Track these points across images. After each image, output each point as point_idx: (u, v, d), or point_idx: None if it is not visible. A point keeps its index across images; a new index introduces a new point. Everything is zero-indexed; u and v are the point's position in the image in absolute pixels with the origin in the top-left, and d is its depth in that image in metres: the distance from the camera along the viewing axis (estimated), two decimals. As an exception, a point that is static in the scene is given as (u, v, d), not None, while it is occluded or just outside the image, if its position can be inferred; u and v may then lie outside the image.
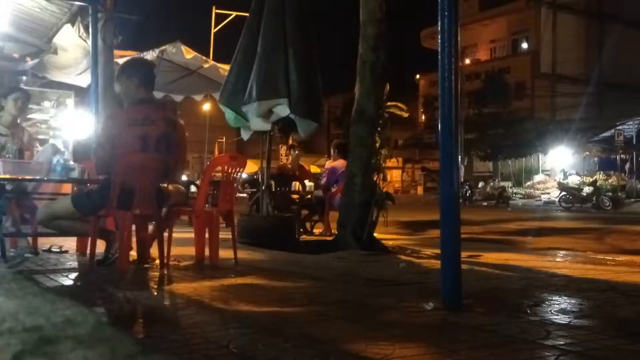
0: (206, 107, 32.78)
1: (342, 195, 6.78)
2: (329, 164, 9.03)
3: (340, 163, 8.36)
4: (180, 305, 3.30)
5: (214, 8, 27.72)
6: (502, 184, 26.66)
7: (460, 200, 3.87)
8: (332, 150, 8.90)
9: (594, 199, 21.38)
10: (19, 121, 5.66)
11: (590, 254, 6.45)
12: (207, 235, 4.91)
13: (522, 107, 33.19)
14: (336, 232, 7.99)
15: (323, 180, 8.67)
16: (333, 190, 8.25)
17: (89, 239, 4.61)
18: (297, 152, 9.64)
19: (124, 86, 4.51)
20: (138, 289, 3.80)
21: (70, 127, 10.66)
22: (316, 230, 8.62)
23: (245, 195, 9.37)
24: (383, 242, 6.41)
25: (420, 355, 2.36)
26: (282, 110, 6.25)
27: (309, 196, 8.64)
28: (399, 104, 6.83)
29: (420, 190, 41.39)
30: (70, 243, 5.57)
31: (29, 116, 9.24)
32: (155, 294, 3.68)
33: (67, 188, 5.16)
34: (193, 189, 10.93)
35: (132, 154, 4.28)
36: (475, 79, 34.74)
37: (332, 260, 5.35)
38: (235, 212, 5.56)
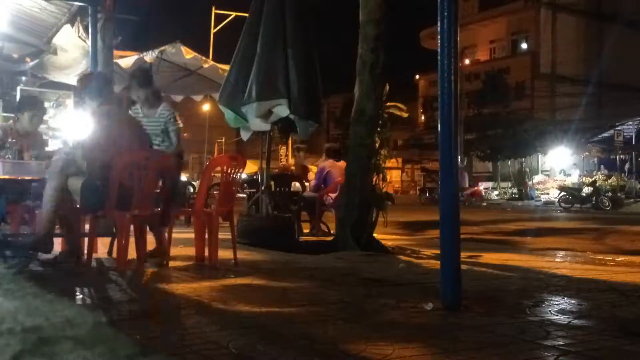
0: (206, 107, 32.81)
1: (341, 196, 6.78)
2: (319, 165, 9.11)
3: (328, 163, 8.40)
4: (180, 305, 3.30)
5: (213, 8, 27.75)
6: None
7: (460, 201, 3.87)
8: (323, 156, 9.03)
9: (594, 199, 21.38)
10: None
11: (590, 255, 6.45)
12: (206, 236, 4.91)
13: (522, 107, 33.15)
14: (328, 233, 8.03)
15: (312, 182, 8.72)
16: (322, 191, 8.28)
17: (87, 239, 4.63)
18: (302, 153, 9.67)
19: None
20: (137, 289, 3.80)
21: (70, 128, 10.66)
22: (306, 230, 8.55)
23: (244, 195, 9.37)
24: (382, 242, 6.41)
25: (420, 355, 2.36)
26: (282, 110, 6.25)
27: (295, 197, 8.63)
28: (399, 104, 6.83)
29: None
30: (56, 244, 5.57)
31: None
32: (155, 294, 3.68)
33: None
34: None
35: (132, 152, 4.33)
36: (475, 79, 34.69)
37: (332, 260, 5.35)
38: (235, 213, 5.56)
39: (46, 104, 10.61)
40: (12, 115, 5.47)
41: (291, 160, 17.90)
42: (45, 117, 10.54)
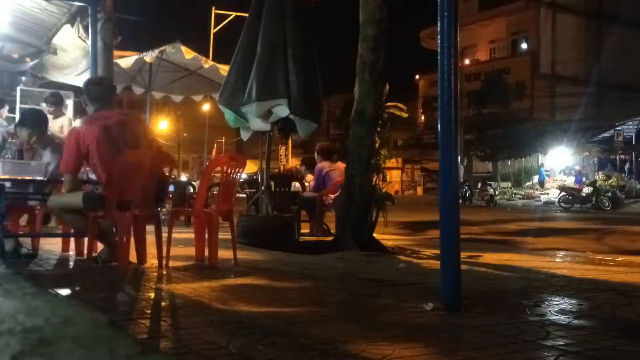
0: (206, 107, 32.78)
1: (341, 196, 6.77)
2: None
3: (327, 164, 8.37)
4: (180, 305, 3.30)
5: (213, 8, 27.74)
6: (490, 190, 26.40)
7: (460, 201, 3.87)
8: (315, 155, 8.78)
9: (594, 199, 21.39)
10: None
11: (590, 255, 6.45)
12: (206, 236, 4.91)
13: (522, 107, 33.15)
14: (328, 233, 8.01)
15: (312, 183, 8.69)
16: (322, 191, 8.26)
17: (85, 239, 4.64)
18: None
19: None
20: (137, 289, 3.80)
21: (70, 128, 10.65)
22: (304, 230, 8.53)
23: (244, 195, 9.36)
24: (383, 242, 6.41)
25: (420, 355, 2.36)
26: (282, 110, 6.25)
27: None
28: (399, 104, 6.83)
29: (420, 190, 41.42)
30: (55, 245, 5.57)
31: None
32: (155, 294, 3.68)
33: None
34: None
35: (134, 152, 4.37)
36: (474, 79, 34.71)
37: (332, 260, 5.35)
38: (235, 213, 5.56)
39: (45, 105, 10.61)
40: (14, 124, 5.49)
41: (284, 161, 17.92)
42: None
